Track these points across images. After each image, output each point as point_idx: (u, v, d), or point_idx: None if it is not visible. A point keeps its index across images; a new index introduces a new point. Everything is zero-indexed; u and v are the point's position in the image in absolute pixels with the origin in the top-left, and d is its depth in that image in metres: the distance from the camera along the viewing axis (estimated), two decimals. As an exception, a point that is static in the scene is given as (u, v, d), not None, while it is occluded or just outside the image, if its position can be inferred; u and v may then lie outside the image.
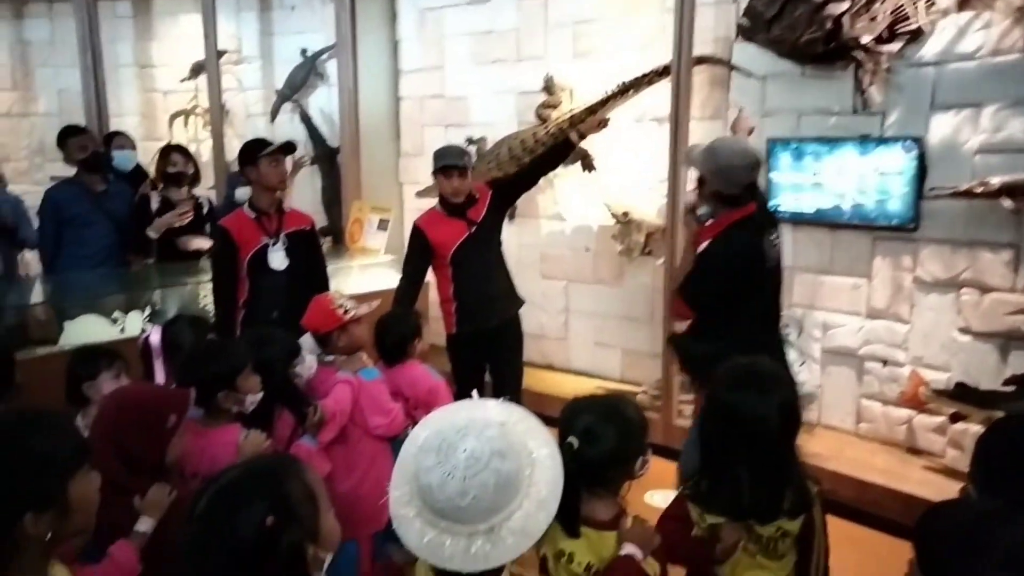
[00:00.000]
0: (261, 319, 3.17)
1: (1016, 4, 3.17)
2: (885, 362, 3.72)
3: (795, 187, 3.80)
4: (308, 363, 2.58)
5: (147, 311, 3.86)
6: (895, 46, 3.46)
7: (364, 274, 4.77)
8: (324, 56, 5.72)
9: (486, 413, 1.42)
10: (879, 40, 3.46)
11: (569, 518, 1.61)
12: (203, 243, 4.24)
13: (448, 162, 3.36)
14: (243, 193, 3.64)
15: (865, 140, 3.59)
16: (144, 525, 1.78)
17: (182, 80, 6.52)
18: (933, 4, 3.37)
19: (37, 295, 4.15)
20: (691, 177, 3.83)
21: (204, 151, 6.18)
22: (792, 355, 3.04)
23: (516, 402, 1.54)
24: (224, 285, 3.29)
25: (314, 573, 1.24)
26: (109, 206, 4.26)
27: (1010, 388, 3.21)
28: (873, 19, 3.45)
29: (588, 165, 4.55)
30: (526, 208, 4.86)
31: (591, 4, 4.56)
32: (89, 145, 4.29)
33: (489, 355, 3.57)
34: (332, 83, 5.59)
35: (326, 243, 5.05)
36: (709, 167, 2.71)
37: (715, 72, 4.12)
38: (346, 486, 2.53)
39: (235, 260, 3.24)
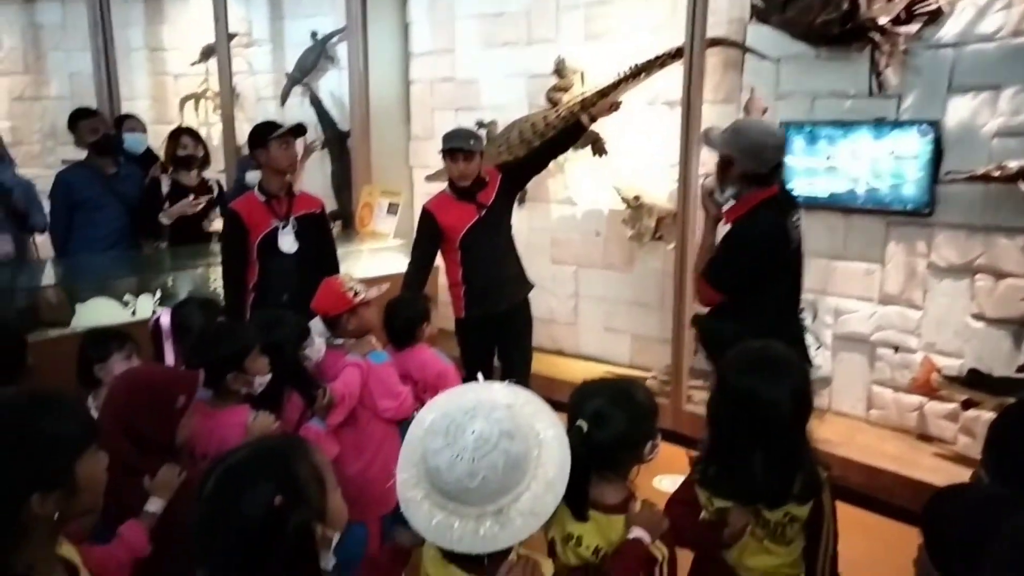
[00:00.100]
0: (271, 302, 3.17)
1: (1037, -16, 3.11)
2: (897, 348, 3.69)
3: (809, 171, 3.75)
4: (317, 346, 2.58)
5: (158, 294, 3.88)
6: (913, 27, 3.40)
7: (374, 258, 4.77)
8: (334, 39, 5.69)
9: (493, 395, 1.42)
10: (897, 21, 3.41)
11: (578, 502, 1.61)
12: (219, 224, 4.24)
13: (454, 145, 3.33)
14: (254, 177, 3.64)
15: (880, 123, 3.54)
16: (154, 505, 1.79)
17: (193, 63, 6.53)
18: (952, -16, 3.32)
19: (49, 278, 4.18)
20: (703, 161, 3.81)
21: (215, 135, 6.19)
22: (808, 339, 3.03)
23: (525, 387, 1.53)
24: (234, 268, 3.30)
25: (322, 552, 1.24)
26: (120, 189, 4.28)
27: (1024, 375, 3.18)
28: (891, 0, 3.40)
29: (599, 149, 4.51)
30: (536, 192, 4.83)
31: (603, -15, 4.52)
32: (100, 128, 4.30)
33: (498, 339, 3.57)
34: (342, 66, 5.56)
35: (336, 227, 5.05)
36: (740, 146, 2.67)
37: (728, 54, 4.07)
38: (355, 469, 2.54)
39: (245, 243, 3.25)
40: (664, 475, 3.19)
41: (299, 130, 3.40)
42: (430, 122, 5.46)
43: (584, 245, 4.84)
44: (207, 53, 6.30)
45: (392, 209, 5.09)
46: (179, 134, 4.40)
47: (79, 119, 4.32)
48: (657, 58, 4.18)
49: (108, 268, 4.21)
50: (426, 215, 3.46)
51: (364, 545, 2.47)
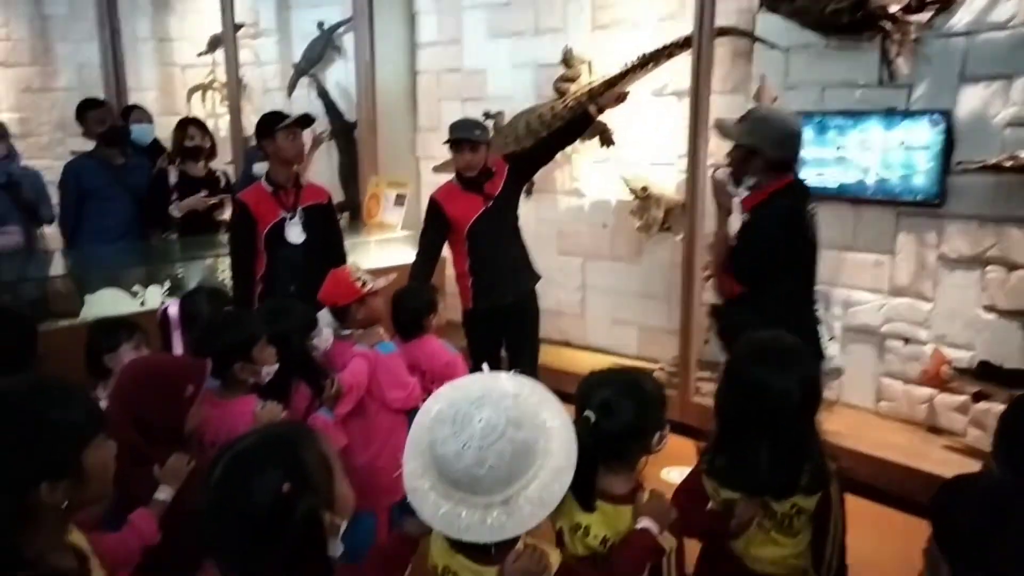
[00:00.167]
0: (279, 293, 3.18)
1: (1051, -28, 3.07)
2: (907, 340, 3.67)
3: (818, 162, 3.72)
4: (325, 336, 2.59)
5: (167, 284, 3.89)
6: (924, 16, 3.36)
7: (381, 249, 4.77)
8: (341, 30, 5.68)
9: (499, 384, 1.41)
10: (908, 10, 3.37)
11: (585, 492, 1.60)
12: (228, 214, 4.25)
13: (459, 135, 3.33)
14: (261, 168, 3.64)
15: (891, 113, 3.51)
16: (163, 494, 1.79)
17: (200, 54, 6.53)
18: (964, -28, 3.28)
19: (58, 268, 4.20)
20: (711, 152, 3.79)
21: (222, 126, 6.19)
22: (821, 330, 3.03)
23: (533, 378, 1.53)
24: (242, 259, 3.30)
25: (330, 539, 1.24)
26: (128, 180, 4.29)
27: (1035, 367, 3.16)
28: (902, -12, 3.37)
29: (607, 140, 4.49)
30: (543, 183, 4.82)
31: (611, -25, 4.49)
32: (108, 118, 4.32)
33: (505, 331, 3.56)
34: (349, 57, 5.56)
35: (343, 218, 5.06)
36: (766, 135, 2.66)
37: (737, 44, 4.04)
38: (363, 458, 2.55)
39: (252, 234, 3.25)
40: (672, 467, 3.18)
41: (306, 120, 3.40)
42: (437, 113, 5.45)
43: (592, 236, 4.82)
44: (214, 44, 6.30)
45: (399, 200, 5.09)
46: (186, 124, 4.42)
47: (87, 110, 4.33)
48: (665, 48, 4.15)
49: (117, 259, 4.23)
50: (433, 205, 3.45)
51: (373, 534, 2.48)
